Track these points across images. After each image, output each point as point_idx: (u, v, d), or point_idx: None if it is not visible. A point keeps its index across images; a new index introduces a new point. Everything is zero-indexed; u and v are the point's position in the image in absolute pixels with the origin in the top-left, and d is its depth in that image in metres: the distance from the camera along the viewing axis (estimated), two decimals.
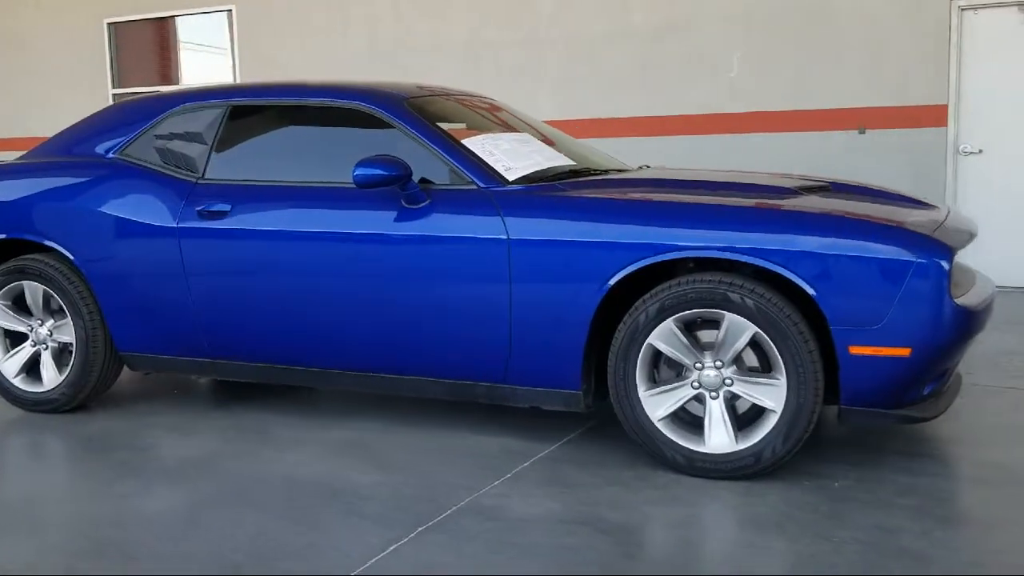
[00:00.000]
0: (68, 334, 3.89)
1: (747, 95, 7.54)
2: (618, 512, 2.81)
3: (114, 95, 10.84)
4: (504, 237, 3.16)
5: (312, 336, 3.48)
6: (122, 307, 3.76)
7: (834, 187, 3.57)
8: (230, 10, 10.03)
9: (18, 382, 4.01)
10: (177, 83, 10.58)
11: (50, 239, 3.83)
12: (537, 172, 3.45)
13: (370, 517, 2.80)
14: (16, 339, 4.06)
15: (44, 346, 3.98)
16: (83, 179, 3.81)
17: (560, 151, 3.80)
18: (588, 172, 3.63)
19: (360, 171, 3.20)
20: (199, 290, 3.61)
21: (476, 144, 3.46)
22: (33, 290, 3.91)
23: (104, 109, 4.07)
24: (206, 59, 10.50)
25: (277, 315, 3.51)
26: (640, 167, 4.04)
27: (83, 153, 3.94)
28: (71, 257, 3.80)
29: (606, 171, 3.71)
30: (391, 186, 3.25)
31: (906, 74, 7.03)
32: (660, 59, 7.80)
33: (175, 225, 3.62)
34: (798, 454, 3.14)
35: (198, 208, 3.60)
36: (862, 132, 7.21)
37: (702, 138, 7.75)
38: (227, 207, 3.56)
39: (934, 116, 7.03)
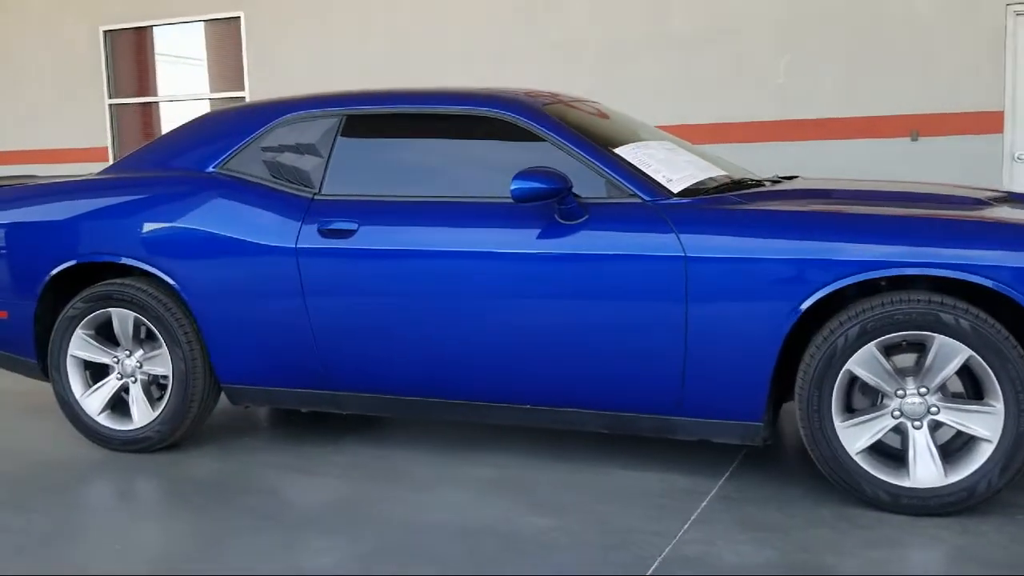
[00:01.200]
0: (162, 365, 3.54)
1: (795, 102, 7.36)
2: (841, 558, 2.55)
3: (111, 106, 10.41)
4: (680, 255, 2.90)
5: (454, 366, 3.18)
6: (227, 335, 3.43)
7: (1011, 196, 3.36)
8: (237, 17, 9.65)
9: (103, 419, 3.65)
10: (155, 93, 10.18)
11: (146, 262, 3.48)
12: (697, 184, 3.19)
13: (569, 569, 2.50)
14: (96, 372, 3.71)
15: (132, 379, 3.62)
16: (183, 195, 3.47)
17: (703, 160, 3.54)
18: (746, 183, 3.38)
19: (519, 184, 2.92)
20: (321, 315, 3.29)
21: (629, 154, 3.19)
22: (122, 318, 3.56)
23: (196, 120, 3.73)
24: (186, 69, 10.12)
25: (413, 343, 3.20)
26: (784, 178, 3.77)
27: (180, 167, 3.60)
28: (170, 281, 3.45)
29: (759, 182, 3.46)
30: (548, 200, 2.96)
31: (959, 79, 6.90)
32: (702, 65, 7.60)
33: (293, 245, 3.29)
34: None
35: (319, 226, 3.28)
36: (914, 139, 7.06)
37: (747, 146, 7.55)
38: (353, 225, 3.24)
39: (989, 122, 6.90)
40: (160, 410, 3.54)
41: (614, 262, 2.96)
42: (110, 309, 3.56)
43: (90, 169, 10.43)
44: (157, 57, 10.56)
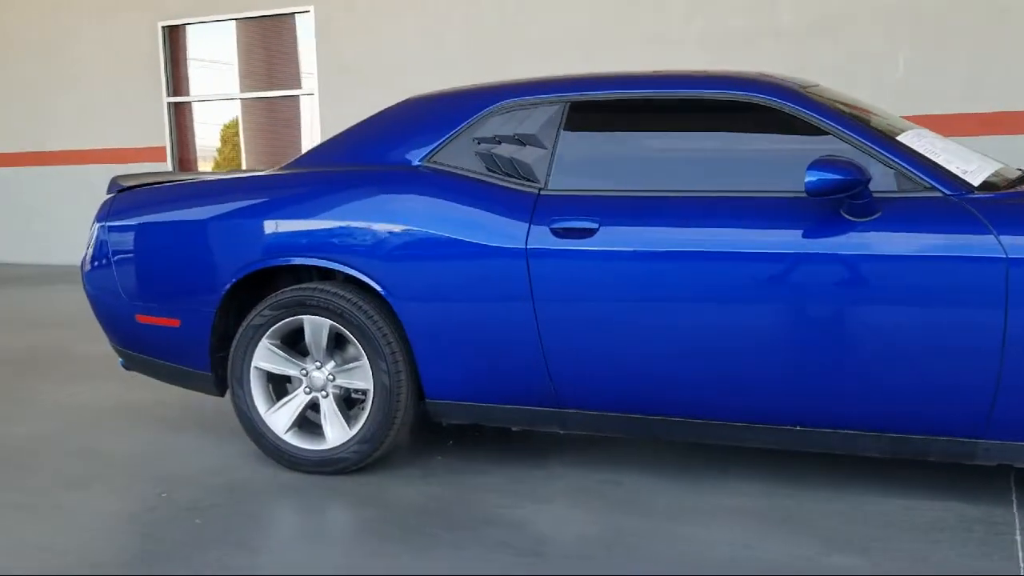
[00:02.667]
0: (361, 378, 3.20)
1: (915, 97, 7.02)
2: None
3: (169, 104, 10.07)
4: (1000, 256, 2.55)
5: (715, 382, 2.84)
6: (440, 345, 3.09)
7: None
8: (308, 11, 9.31)
9: (290, 438, 3.30)
10: (213, 91, 9.86)
11: (350, 265, 3.13)
12: (993, 177, 2.85)
13: None
14: (277, 385, 3.38)
15: (323, 393, 3.28)
16: (390, 192, 3.13)
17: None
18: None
19: (816, 176, 2.58)
20: (552, 324, 2.95)
21: (912, 142, 2.85)
22: (316, 327, 3.21)
23: (394, 109, 3.38)
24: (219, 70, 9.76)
25: (662, 356, 2.86)
26: None
27: (382, 161, 3.26)
28: (375, 287, 3.11)
29: None
30: (843, 194, 2.62)
31: None
32: (811, 59, 7.26)
33: (522, 246, 2.95)
34: None
35: (552, 225, 2.94)
36: None
37: None
38: (593, 224, 2.90)
39: None
40: (359, 428, 3.20)
41: (916, 264, 2.62)
42: (304, 317, 3.22)
43: (148, 168, 10.09)
44: (217, 54, 10.23)
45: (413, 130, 3.25)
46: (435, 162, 3.18)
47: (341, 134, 3.41)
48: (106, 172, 10.31)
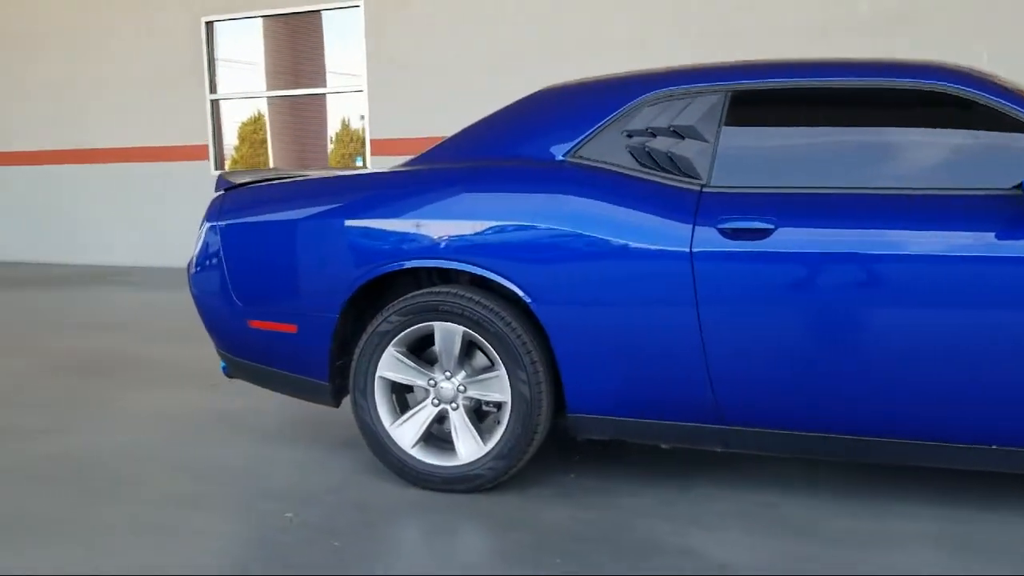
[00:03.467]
0: (496, 390, 2.97)
1: None
2: None
3: (212, 101, 9.87)
4: None
5: (911, 398, 2.60)
6: (589, 355, 2.85)
7: None
8: (358, 6, 9.09)
9: (417, 453, 3.08)
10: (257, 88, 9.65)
11: (486, 267, 2.90)
12: None
13: None
14: (398, 396, 3.16)
15: (452, 405, 3.05)
16: (532, 189, 2.90)
17: None
18: None
19: None
20: (721, 333, 2.71)
21: None
22: (448, 334, 2.99)
23: (528, 100, 3.15)
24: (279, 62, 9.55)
25: (853, 369, 2.62)
26: None
27: (518, 155, 3.03)
28: (517, 291, 2.88)
29: None
30: None
31: None
32: (888, 53, 7.00)
33: (687, 249, 2.71)
34: None
35: (720, 225, 2.71)
36: None
37: None
38: (768, 224, 2.67)
39: None
40: (495, 443, 2.97)
41: None
42: (435, 323, 2.99)
43: (201, 167, 9.88)
44: (243, 52, 10.03)
45: (554, 122, 3.02)
46: (580, 157, 2.94)
47: (470, 128, 3.18)
48: (145, 171, 10.12)
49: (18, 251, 10.94)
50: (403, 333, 3.03)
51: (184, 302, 7.18)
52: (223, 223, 3.28)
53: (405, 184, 3.06)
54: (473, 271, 2.91)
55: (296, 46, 10.20)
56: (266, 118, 10.45)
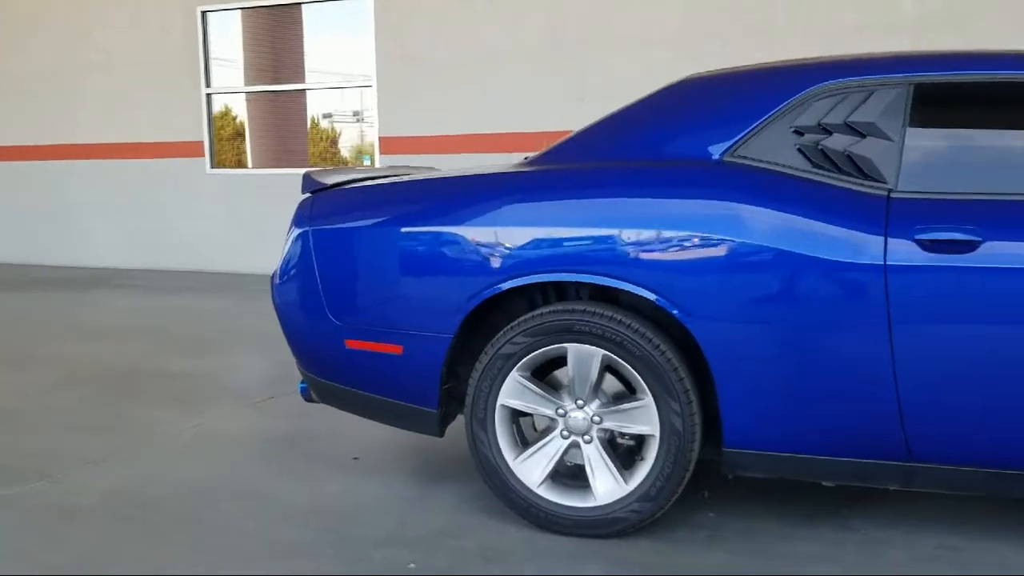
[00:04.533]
0: (641, 421, 2.61)
1: None
2: None
3: (208, 95, 9.39)
4: None
5: None
6: (756, 383, 2.51)
7: None
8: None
9: (545, 492, 2.71)
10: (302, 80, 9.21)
11: (632, 281, 2.54)
12: None
13: None
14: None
15: (586, 438, 2.69)
16: (689, 194, 2.54)
17: None
18: None
19: None
20: (918, 358, 2.38)
21: None
22: (583, 357, 2.63)
23: (671, 91, 2.80)
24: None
25: None
26: None
27: (663, 154, 2.67)
28: (671, 309, 2.52)
29: None
30: None
31: None
32: None
33: (880, 261, 2.38)
34: None
35: (918, 236, 2.37)
36: None
37: None
38: (972, 236, 2.34)
39: None
40: (640, 481, 2.61)
41: None
42: (568, 345, 2.63)
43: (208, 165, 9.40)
44: (236, 45, 9.58)
45: (708, 117, 2.67)
46: (740, 156, 2.59)
47: (600, 123, 2.82)
48: (136, 168, 9.60)
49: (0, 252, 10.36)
50: (529, 356, 2.67)
51: (194, 308, 6.73)
52: (315, 229, 2.89)
53: (536, 186, 2.69)
54: (610, 284, 2.55)
55: (276, 40, 9.76)
56: (239, 113, 9.93)
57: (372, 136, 8.80)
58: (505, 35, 8.01)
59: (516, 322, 2.67)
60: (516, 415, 2.78)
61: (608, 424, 2.67)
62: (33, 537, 2.72)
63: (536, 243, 2.61)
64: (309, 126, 9.92)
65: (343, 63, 9.04)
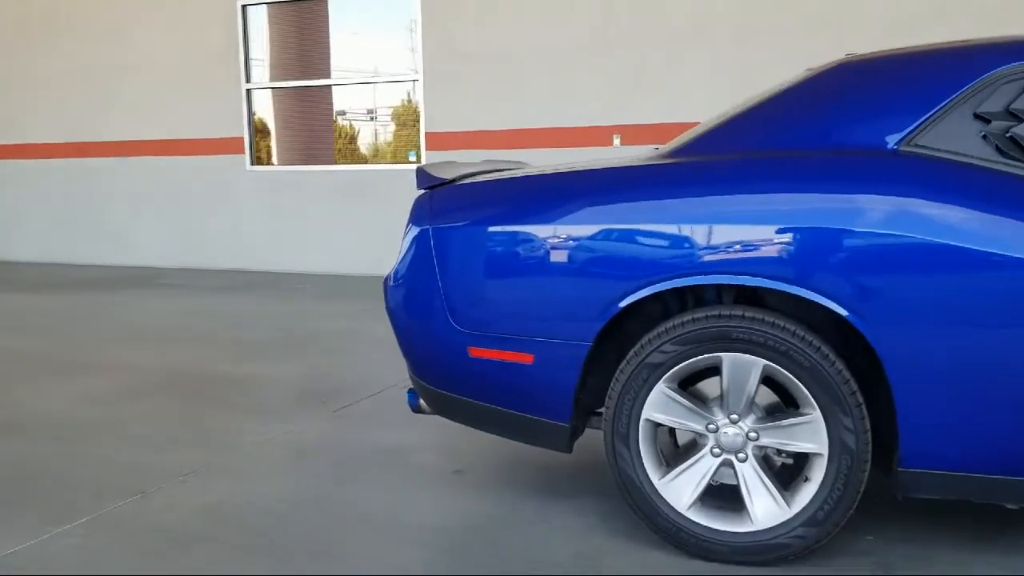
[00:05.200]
0: (806, 438, 2.38)
1: None
2: None
3: (248, 91, 9.18)
4: None
5: None
6: (941, 398, 2.26)
7: None
8: None
9: (694, 515, 2.48)
10: (328, 75, 8.99)
11: (806, 285, 2.30)
12: None
13: None
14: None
15: (740, 456, 2.45)
16: (871, 187, 2.29)
17: None
18: None
19: None
20: None
21: None
22: (741, 368, 2.39)
23: (829, 77, 2.54)
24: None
25: None
26: None
27: (825, 143, 2.42)
28: (848, 315, 2.28)
29: None
30: None
31: None
32: None
33: None
34: None
35: None
36: None
37: None
38: None
39: None
40: (805, 504, 2.38)
41: None
42: (724, 354, 2.39)
43: (232, 161, 9.20)
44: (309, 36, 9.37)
45: (878, 104, 2.42)
46: (918, 145, 2.35)
47: (749, 111, 2.57)
48: (175, 165, 9.42)
49: (37, 252, 10.20)
50: (679, 366, 2.43)
51: (243, 309, 6.53)
52: (436, 227, 2.66)
53: (688, 180, 2.45)
54: (792, 291, 2.31)
55: (303, 36, 9.54)
56: (257, 111, 9.70)
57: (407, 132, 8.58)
58: (553, 27, 7.77)
59: (662, 329, 2.43)
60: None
61: (765, 441, 2.43)
62: (137, 560, 2.50)
63: (694, 242, 2.37)
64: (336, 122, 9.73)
65: (383, 58, 8.81)
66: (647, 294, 2.41)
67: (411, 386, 3.01)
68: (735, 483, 2.49)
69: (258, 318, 6.26)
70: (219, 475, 3.18)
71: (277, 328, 5.87)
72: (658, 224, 2.41)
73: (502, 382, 2.63)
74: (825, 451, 2.35)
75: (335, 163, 9.30)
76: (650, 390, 2.46)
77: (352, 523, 2.75)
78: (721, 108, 7.19)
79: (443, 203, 2.68)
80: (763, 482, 2.43)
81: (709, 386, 2.56)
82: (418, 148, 8.70)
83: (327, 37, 9.26)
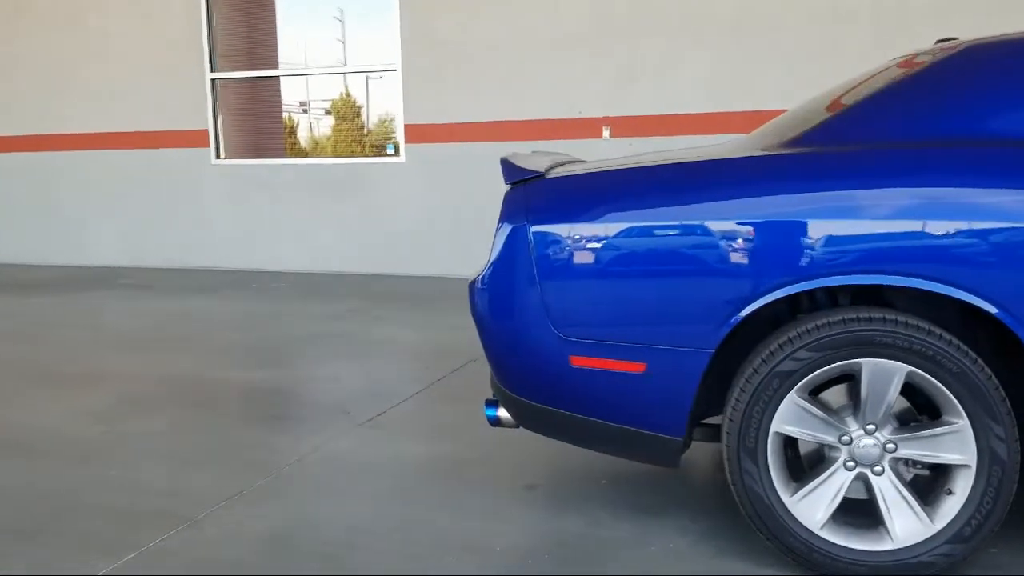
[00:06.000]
0: (951, 448, 2.21)
1: None
2: None
3: (212, 80, 8.76)
4: None
5: None
6: None
7: None
8: None
9: (827, 534, 2.29)
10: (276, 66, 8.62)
11: (968, 288, 2.13)
12: None
13: None
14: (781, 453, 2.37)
15: (877, 469, 2.27)
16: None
17: None
18: None
19: None
20: None
21: None
22: (882, 374, 2.21)
23: (955, 60, 2.37)
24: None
25: None
26: None
27: (991, 134, 2.25)
28: (1011, 322, 2.12)
29: None
30: None
31: None
32: None
33: None
34: None
35: None
36: None
37: None
38: None
39: None
40: (951, 519, 2.21)
41: None
42: (864, 360, 2.21)
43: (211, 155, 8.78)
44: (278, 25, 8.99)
45: (1010, 86, 2.25)
46: None
47: (873, 98, 2.39)
48: (134, 159, 8.94)
49: None
50: (813, 374, 2.24)
51: (224, 311, 6.18)
52: (535, 224, 2.42)
53: (833, 172, 2.25)
54: (952, 293, 2.14)
55: (250, 24, 9.17)
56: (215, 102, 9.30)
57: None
58: (543, 16, 7.55)
59: (794, 334, 2.24)
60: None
61: (905, 452, 2.26)
62: None
63: (839, 239, 2.18)
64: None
65: (377, 46, 8.47)
66: (781, 296, 2.22)
67: (489, 397, 2.76)
68: (862, 498, 2.32)
69: (243, 320, 5.91)
70: (266, 498, 2.89)
71: (267, 331, 5.54)
72: (799, 219, 2.21)
73: (608, 393, 2.41)
74: (973, 462, 2.19)
75: (287, 156, 8.93)
76: (780, 401, 2.26)
77: (439, 550, 2.50)
78: (717, 100, 7.06)
79: (542, 198, 2.44)
80: (903, 497, 2.26)
81: (832, 395, 2.38)
82: (396, 141, 8.40)
83: (274, 25, 8.93)
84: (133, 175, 8.98)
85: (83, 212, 9.17)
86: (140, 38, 8.79)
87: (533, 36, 7.58)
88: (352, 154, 8.97)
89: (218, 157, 8.78)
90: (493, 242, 2.47)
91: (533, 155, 2.67)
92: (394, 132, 8.53)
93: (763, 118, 6.94)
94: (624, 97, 7.39)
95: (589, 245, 2.37)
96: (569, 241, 2.38)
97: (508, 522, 2.69)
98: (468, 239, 7.85)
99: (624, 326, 2.35)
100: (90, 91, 9.01)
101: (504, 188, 7.63)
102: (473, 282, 2.55)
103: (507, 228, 2.45)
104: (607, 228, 2.35)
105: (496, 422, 2.71)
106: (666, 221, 2.30)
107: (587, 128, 7.53)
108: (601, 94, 7.44)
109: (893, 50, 6.59)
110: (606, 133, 7.47)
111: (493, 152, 7.78)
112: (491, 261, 2.48)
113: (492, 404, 2.72)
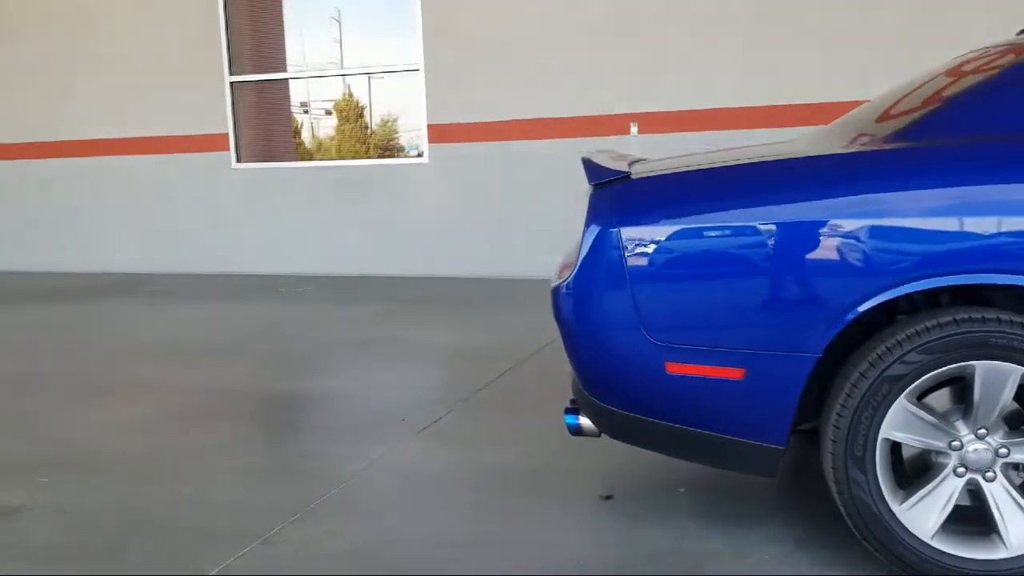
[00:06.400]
0: None
1: None
2: None
3: (232, 83, 8.67)
4: None
5: None
6: None
7: None
8: None
9: (938, 543, 2.21)
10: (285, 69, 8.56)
11: None
12: None
13: None
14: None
15: (988, 474, 2.19)
16: None
17: None
18: None
19: None
20: None
21: None
22: (995, 377, 2.13)
23: None
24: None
25: None
26: None
27: None
28: None
29: None
30: None
31: None
32: None
33: None
34: None
35: None
36: None
37: None
38: None
39: None
40: None
41: None
42: (975, 362, 2.12)
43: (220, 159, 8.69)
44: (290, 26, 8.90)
45: None
46: None
47: (986, 87, 2.30)
48: (150, 165, 8.85)
49: None
50: (924, 378, 2.15)
51: (255, 316, 6.10)
52: (626, 226, 2.33)
53: (956, 167, 2.16)
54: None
55: (257, 26, 9.08)
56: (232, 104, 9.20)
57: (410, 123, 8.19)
58: (566, 12, 7.45)
59: (903, 336, 2.15)
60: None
61: (1019, 457, 2.18)
62: None
63: (958, 236, 2.09)
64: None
65: (398, 46, 8.41)
66: (895, 295, 2.13)
67: (569, 404, 2.68)
68: (967, 504, 2.24)
69: (278, 326, 5.83)
70: (336, 512, 2.81)
71: (302, 337, 5.46)
72: (917, 216, 2.12)
73: (706, 401, 2.32)
74: None
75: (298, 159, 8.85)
76: (889, 406, 2.18)
77: (535, 568, 2.41)
78: (746, 95, 6.97)
79: (632, 198, 2.36)
80: (1017, 502, 2.17)
81: (937, 400, 2.30)
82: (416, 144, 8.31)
83: (282, 27, 8.85)
84: (151, 180, 8.91)
85: (101, 218, 9.09)
86: (153, 38, 8.70)
87: (557, 32, 7.50)
88: (368, 155, 8.88)
89: (238, 161, 8.70)
90: (579, 245, 2.39)
91: (617, 155, 2.58)
92: (397, 133, 8.44)
93: (792, 112, 6.85)
94: (652, 92, 7.30)
95: (685, 246, 2.28)
96: (663, 243, 2.30)
97: (597, 535, 2.61)
98: (495, 239, 7.77)
99: (725, 330, 2.27)
100: (100, 96, 8.92)
101: (524, 187, 7.55)
102: (557, 286, 2.46)
103: (595, 230, 2.36)
104: (705, 228, 2.27)
105: (577, 431, 2.63)
106: (773, 220, 2.22)
107: (614, 125, 7.44)
108: (627, 90, 7.35)
109: (924, 40, 6.50)
110: (634, 130, 7.38)
111: (518, 151, 7.69)
112: (578, 264, 2.40)
113: (573, 412, 2.64)
